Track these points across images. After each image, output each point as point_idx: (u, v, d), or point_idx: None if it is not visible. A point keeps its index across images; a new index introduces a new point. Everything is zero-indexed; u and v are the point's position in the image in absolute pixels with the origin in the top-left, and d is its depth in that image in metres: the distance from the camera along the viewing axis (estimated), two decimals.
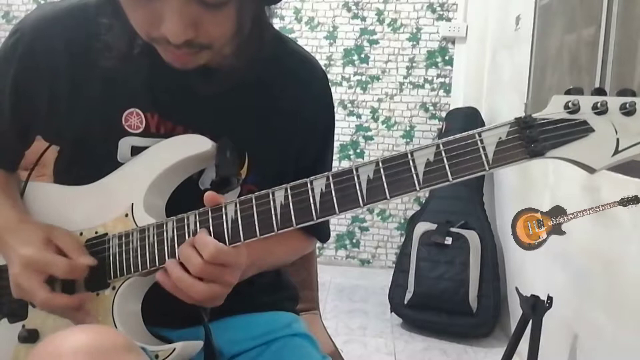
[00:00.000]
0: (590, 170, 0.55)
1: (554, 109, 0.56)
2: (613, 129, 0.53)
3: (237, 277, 0.67)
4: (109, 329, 0.62)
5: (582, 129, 0.54)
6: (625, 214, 1.30)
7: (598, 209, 1.37)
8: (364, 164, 0.60)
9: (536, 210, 1.58)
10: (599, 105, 0.54)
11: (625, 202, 1.25)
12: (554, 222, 1.53)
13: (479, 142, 0.56)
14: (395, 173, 0.59)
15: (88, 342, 0.54)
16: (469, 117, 2.75)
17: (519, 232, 1.59)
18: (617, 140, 0.53)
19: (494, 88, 2.76)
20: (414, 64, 3.17)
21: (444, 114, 3.08)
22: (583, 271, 1.57)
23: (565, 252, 1.69)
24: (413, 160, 0.58)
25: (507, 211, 2.37)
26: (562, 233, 1.53)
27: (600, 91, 0.55)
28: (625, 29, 1.35)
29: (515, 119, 0.56)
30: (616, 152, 0.53)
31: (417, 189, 0.57)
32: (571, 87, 0.57)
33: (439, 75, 3.17)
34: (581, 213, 1.45)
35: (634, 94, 0.54)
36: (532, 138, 0.55)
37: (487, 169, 0.56)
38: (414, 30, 3.15)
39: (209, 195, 0.66)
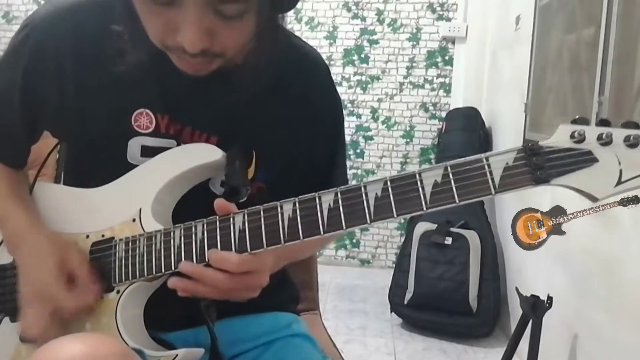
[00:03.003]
0: (593, 199, 0.56)
1: (560, 137, 0.57)
2: (617, 160, 0.55)
3: (266, 278, 0.68)
4: (106, 337, 0.62)
5: (586, 159, 0.56)
6: (625, 214, 1.30)
7: (598, 209, 1.37)
8: (372, 182, 0.61)
9: (536, 210, 1.58)
10: (603, 136, 0.55)
11: (625, 202, 1.25)
12: (554, 222, 1.53)
13: (486, 167, 0.57)
14: (402, 192, 0.60)
15: (85, 350, 0.54)
16: (469, 117, 2.75)
17: (519, 232, 1.59)
18: (620, 171, 0.54)
19: (494, 88, 2.76)
20: (414, 64, 3.17)
21: (444, 114, 3.08)
22: (583, 271, 1.57)
23: (565, 252, 1.69)
24: (421, 181, 0.59)
25: (507, 211, 2.37)
26: (562, 233, 1.53)
27: (605, 122, 0.57)
28: (625, 29, 1.35)
29: (522, 145, 0.58)
30: (619, 182, 0.54)
31: (424, 209, 0.59)
32: (577, 117, 0.58)
33: (439, 75, 3.17)
34: (581, 213, 1.45)
35: (637, 127, 0.55)
36: (538, 165, 0.56)
37: (493, 193, 0.57)
38: (414, 30, 3.15)
39: (219, 203, 0.66)
